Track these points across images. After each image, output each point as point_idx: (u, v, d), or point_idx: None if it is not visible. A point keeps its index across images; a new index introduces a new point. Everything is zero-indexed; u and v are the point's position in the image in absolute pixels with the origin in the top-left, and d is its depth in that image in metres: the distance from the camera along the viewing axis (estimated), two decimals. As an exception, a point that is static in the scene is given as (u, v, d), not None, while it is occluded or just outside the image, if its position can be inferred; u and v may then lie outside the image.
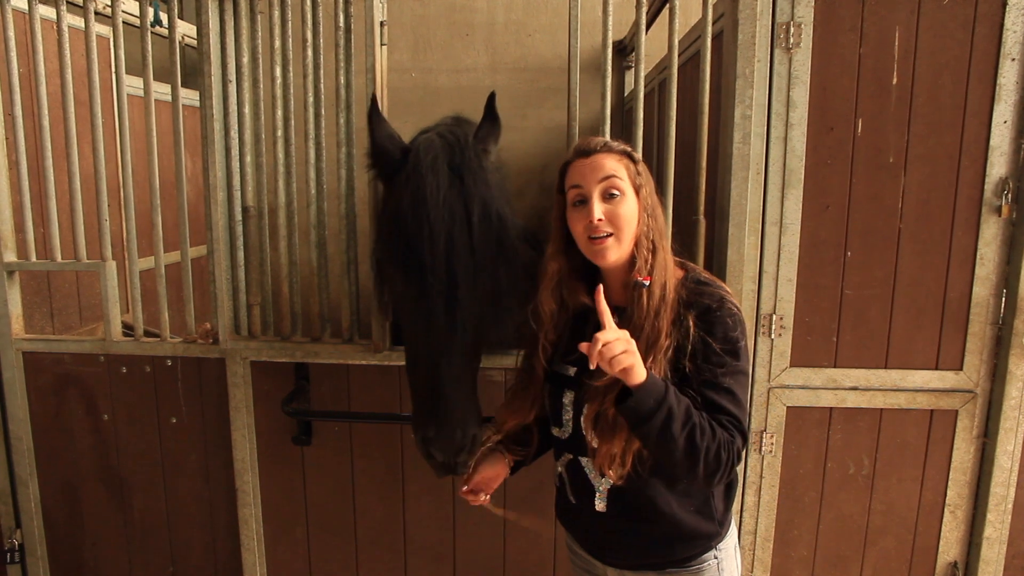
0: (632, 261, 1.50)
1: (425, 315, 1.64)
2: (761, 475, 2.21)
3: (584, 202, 1.49)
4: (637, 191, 1.50)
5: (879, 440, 2.18)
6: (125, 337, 2.40)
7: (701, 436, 1.36)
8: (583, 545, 1.71)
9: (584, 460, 1.59)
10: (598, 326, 1.58)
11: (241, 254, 2.24)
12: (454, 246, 1.62)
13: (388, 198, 1.82)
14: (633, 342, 1.34)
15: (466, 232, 1.64)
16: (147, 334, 2.43)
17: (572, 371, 1.60)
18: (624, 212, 1.47)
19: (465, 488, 1.72)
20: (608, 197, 1.47)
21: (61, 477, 2.53)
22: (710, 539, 1.57)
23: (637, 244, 1.49)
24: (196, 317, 2.37)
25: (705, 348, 1.44)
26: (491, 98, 1.88)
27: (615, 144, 1.54)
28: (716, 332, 1.44)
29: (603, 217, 1.46)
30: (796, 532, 2.27)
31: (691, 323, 1.45)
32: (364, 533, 2.42)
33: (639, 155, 1.57)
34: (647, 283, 1.46)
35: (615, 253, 1.48)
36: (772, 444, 2.18)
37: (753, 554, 2.27)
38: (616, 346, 1.30)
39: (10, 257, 2.40)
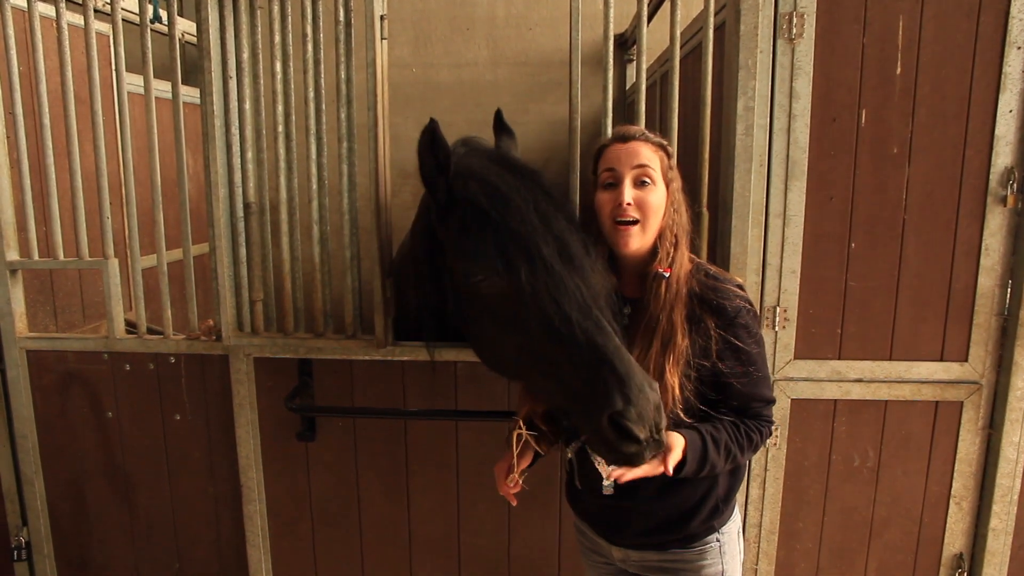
0: (651, 253, 1.54)
1: (555, 288, 1.45)
2: (766, 468, 2.21)
3: (615, 185, 1.53)
4: (668, 184, 1.55)
5: (884, 432, 2.18)
6: (128, 335, 2.40)
7: (741, 452, 1.53)
8: (589, 525, 1.75)
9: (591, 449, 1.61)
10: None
11: (243, 251, 2.23)
12: (545, 213, 1.53)
13: (446, 220, 1.64)
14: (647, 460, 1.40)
15: (547, 202, 1.56)
16: (150, 331, 2.43)
17: None
18: (652, 201, 1.51)
19: (513, 484, 1.63)
20: (639, 184, 1.52)
21: (66, 475, 2.54)
22: (712, 519, 1.61)
23: (661, 236, 1.54)
24: (199, 314, 2.37)
25: (736, 351, 1.52)
26: (498, 114, 2.04)
27: (653, 136, 1.58)
28: (741, 335, 1.52)
29: (632, 202, 1.49)
30: (801, 524, 2.27)
31: (711, 324, 1.50)
32: (369, 528, 2.43)
33: (672, 151, 1.61)
34: (667, 275, 1.50)
35: (638, 241, 1.52)
36: (777, 437, 2.18)
37: (758, 547, 2.27)
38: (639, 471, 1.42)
39: (12, 256, 2.40)
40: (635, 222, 1.51)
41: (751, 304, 1.57)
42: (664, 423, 1.37)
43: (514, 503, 1.66)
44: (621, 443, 1.34)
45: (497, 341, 1.58)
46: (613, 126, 2.05)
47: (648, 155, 1.53)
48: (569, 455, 1.70)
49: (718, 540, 1.62)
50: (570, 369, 1.41)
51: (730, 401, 1.56)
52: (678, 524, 1.61)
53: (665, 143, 1.60)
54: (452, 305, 1.68)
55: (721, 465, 1.51)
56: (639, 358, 1.46)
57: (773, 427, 1.61)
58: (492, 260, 1.50)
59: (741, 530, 1.73)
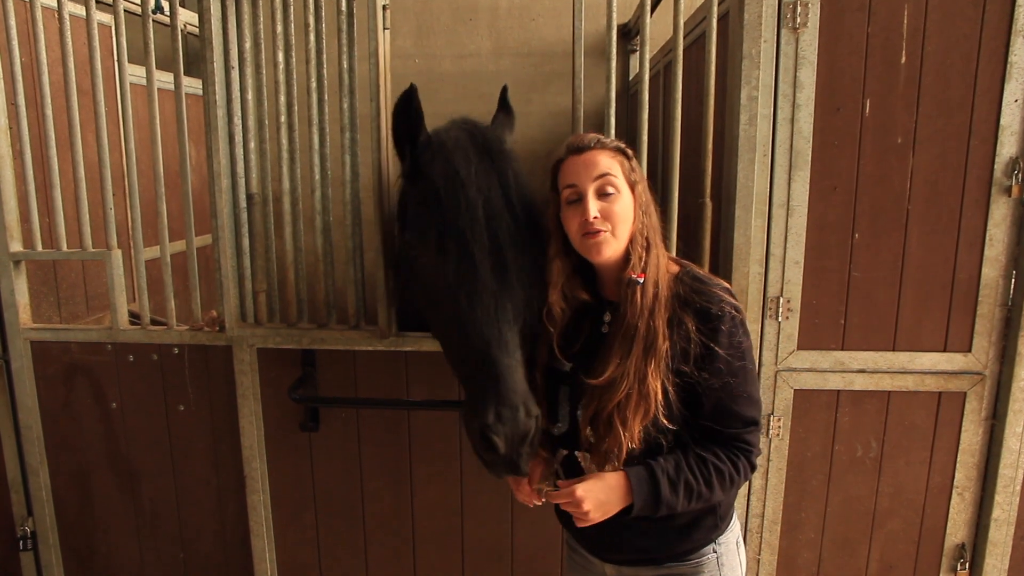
0: (627, 257, 1.49)
1: (471, 289, 1.55)
2: (768, 458, 2.21)
3: (579, 200, 1.47)
4: (632, 188, 1.49)
5: (887, 423, 2.18)
6: (132, 326, 2.41)
7: (710, 489, 1.45)
8: (581, 542, 1.70)
9: (579, 454, 1.58)
10: (595, 322, 1.58)
11: (246, 241, 2.23)
12: (493, 212, 1.61)
13: (412, 188, 1.76)
14: (594, 490, 1.41)
15: (502, 199, 1.63)
16: (154, 322, 2.44)
17: (567, 366, 1.59)
18: (619, 210, 1.46)
19: (529, 489, 1.66)
20: (603, 195, 1.46)
21: (71, 465, 2.55)
22: (709, 532, 1.57)
23: (632, 241, 1.48)
24: (202, 305, 2.38)
25: (713, 357, 1.44)
26: (504, 90, 1.96)
27: (608, 140, 1.52)
28: (722, 341, 1.44)
29: (598, 215, 1.44)
30: (804, 515, 2.28)
31: (692, 327, 1.44)
32: (372, 519, 2.44)
33: (632, 151, 1.55)
34: (641, 280, 1.45)
35: (610, 248, 1.47)
36: (779, 427, 2.18)
37: (761, 537, 2.28)
38: (590, 515, 1.42)
39: (16, 247, 2.40)
40: (604, 231, 1.46)
41: (739, 312, 1.48)
42: (529, 451, 1.49)
43: (531, 504, 1.70)
44: (481, 448, 1.49)
45: (424, 310, 1.76)
46: (616, 117, 2.05)
47: (607, 163, 1.47)
48: (556, 467, 1.66)
49: (715, 551, 1.57)
50: (467, 367, 1.57)
51: (704, 418, 1.47)
52: (673, 542, 1.56)
53: (623, 146, 1.53)
54: (397, 261, 1.92)
55: (682, 504, 1.43)
56: (619, 365, 1.43)
57: (755, 455, 1.50)
58: (431, 243, 1.62)
59: (741, 540, 1.67)
